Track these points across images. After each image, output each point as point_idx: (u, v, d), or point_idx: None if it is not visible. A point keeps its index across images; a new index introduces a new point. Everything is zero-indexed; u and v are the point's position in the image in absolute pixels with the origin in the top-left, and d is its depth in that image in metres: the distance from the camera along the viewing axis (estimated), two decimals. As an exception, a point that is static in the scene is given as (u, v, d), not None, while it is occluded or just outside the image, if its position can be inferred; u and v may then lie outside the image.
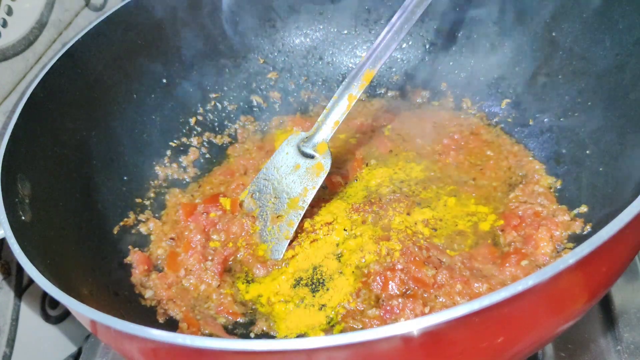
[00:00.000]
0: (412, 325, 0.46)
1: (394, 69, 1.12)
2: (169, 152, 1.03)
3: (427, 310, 0.73)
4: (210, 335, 0.78)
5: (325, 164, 0.88)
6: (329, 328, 0.77)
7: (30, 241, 0.68)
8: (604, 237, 0.50)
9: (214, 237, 0.90)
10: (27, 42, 0.89)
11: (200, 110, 1.08)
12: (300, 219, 0.87)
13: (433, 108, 1.07)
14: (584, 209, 0.80)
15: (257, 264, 0.86)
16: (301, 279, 0.83)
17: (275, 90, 1.13)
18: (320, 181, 0.87)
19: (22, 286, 0.90)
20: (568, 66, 0.91)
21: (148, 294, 0.84)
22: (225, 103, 1.10)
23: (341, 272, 0.82)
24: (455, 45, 1.07)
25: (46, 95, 0.84)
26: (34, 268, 0.62)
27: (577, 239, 0.78)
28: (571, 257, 0.48)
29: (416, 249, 0.79)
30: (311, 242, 0.86)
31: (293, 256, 0.86)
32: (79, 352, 0.97)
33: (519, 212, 0.83)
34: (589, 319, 0.81)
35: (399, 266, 0.78)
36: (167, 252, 0.89)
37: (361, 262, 0.82)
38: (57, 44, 0.94)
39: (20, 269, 0.89)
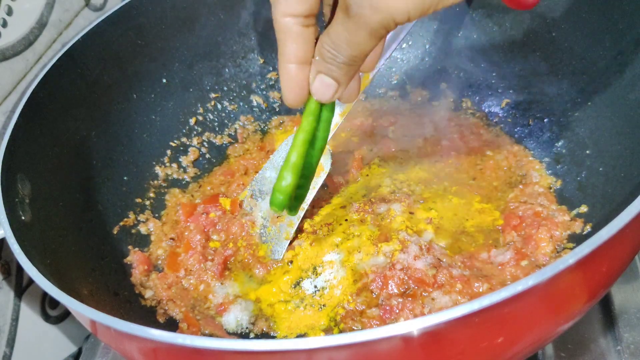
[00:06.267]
0: (412, 325, 0.46)
1: (394, 69, 1.13)
2: (169, 152, 1.03)
3: (426, 310, 0.73)
4: (210, 335, 0.78)
5: (325, 164, 0.88)
6: (329, 328, 0.77)
7: (30, 241, 0.68)
8: (604, 237, 0.50)
9: (214, 237, 0.90)
10: (27, 42, 0.89)
11: (200, 110, 1.08)
12: (300, 219, 0.87)
13: (433, 108, 1.07)
14: (584, 209, 0.80)
15: (257, 264, 0.86)
16: (301, 279, 0.83)
17: (275, 90, 1.13)
18: (320, 181, 0.87)
19: (22, 286, 0.90)
20: (568, 66, 0.91)
21: (148, 294, 0.84)
22: (225, 103, 1.10)
23: (341, 273, 0.82)
24: (455, 45, 1.07)
25: (46, 95, 0.84)
26: (34, 268, 0.62)
27: (577, 239, 0.78)
28: (571, 257, 0.48)
29: (416, 249, 0.79)
30: (311, 242, 0.86)
31: (293, 256, 0.86)
32: (79, 352, 0.97)
33: (519, 212, 0.83)
34: (589, 319, 0.81)
35: (399, 266, 0.78)
36: (167, 252, 0.90)
37: (361, 262, 0.82)
38: (57, 44, 0.94)
39: (20, 269, 0.89)
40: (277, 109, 1.12)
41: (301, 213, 0.87)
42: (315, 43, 0.57)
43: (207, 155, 1.06)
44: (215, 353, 0.50)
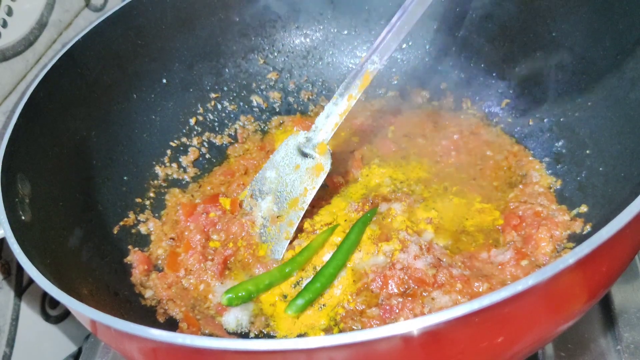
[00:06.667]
0: (412, 325, 0.46)
1: (394, 69, 1.12)
2: (169, 152, 1.03)
3: (426, 309, 0.73)
4: (210, 335, 0.78)
5: (325, 164, 0.88)
6: (329, 328, 0.77)
7: (30, 241, 0.68)
8: (604, 237, 0.50)
9: (214, 237, 0.90)
10: (27, 42, 0.89)
11: (200, 110, 1.08)
12: (300, 219, 0.87)
13: (433, 108, 1.07)
14: (584, 209, 0.80)
15: (257, 264, 0.86)
16: (301, 279, 0.83)
17: (275, 90, 1.13)
18: (320, 181, 0.87)
19: (22, 286, 0.90)
20: (568, 66, 0.91)
21: (148, 294, 0.84)
22: (225, 103, 1.10)
23: (341, 272, 0.82)
24: (455, 45, 1.07)
25: (46, 95, 0.84)
26: (34, 268, 0.62)
27: (577, 239, 0.78)
28: (571, 257, 0.48)
29: (416, 249, 0.79)
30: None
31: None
32: (79, 352, 0.97)
33: (519, 212, 0.84)
34: (589, 319, 0.81)
35: (399, 265, 0.78)
36: (167, 252, 0.90)
37: (361, 262, 0.82)
38: (57, 44, 0.94)
39: (20, 269, 0.89)
40: (277, 109, 1.12)
41: (301, 213, 0.87)
42: None
43: (207, 155, 1.06)
44: (215, 353, 0.50)
